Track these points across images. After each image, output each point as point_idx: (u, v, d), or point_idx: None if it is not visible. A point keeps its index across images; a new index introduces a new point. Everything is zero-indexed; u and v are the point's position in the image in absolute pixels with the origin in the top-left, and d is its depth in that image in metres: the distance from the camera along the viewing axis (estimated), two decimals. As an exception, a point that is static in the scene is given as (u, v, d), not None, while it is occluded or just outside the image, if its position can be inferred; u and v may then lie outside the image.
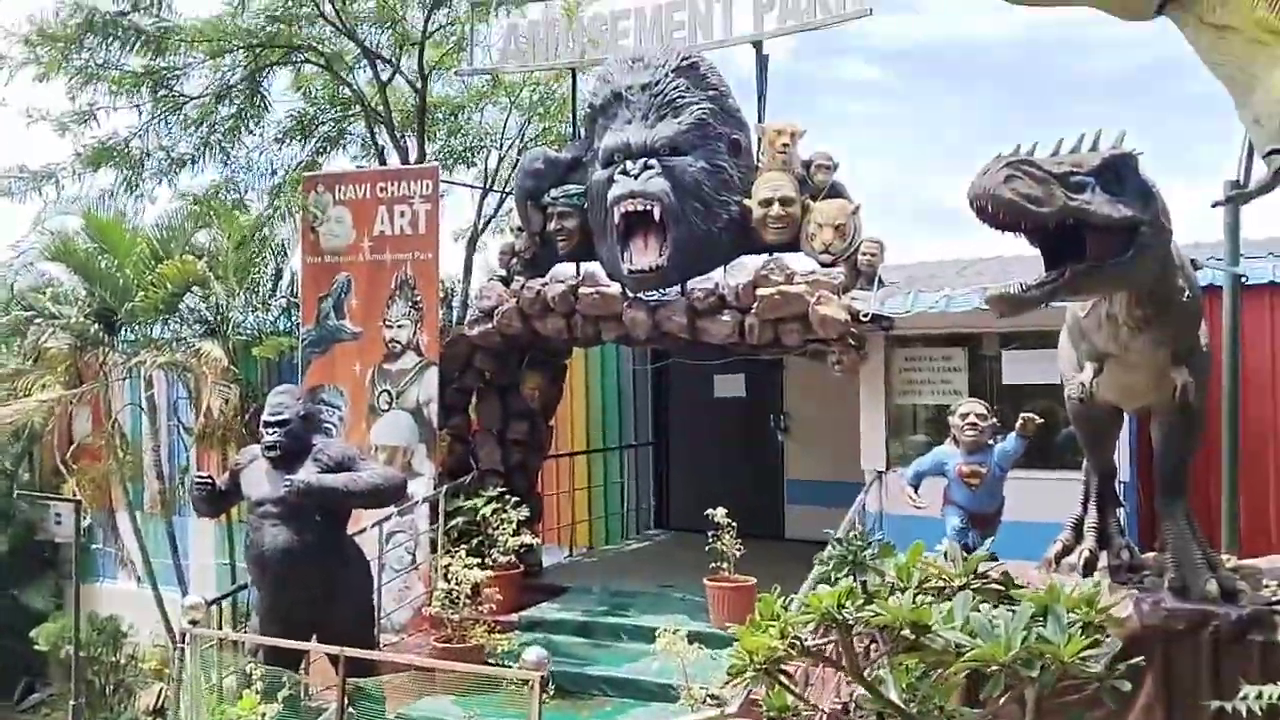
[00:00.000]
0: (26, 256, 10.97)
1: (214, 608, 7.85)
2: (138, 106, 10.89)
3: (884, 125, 30.23)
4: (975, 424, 5.72)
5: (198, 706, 6.39)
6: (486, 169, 11.69)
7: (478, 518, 8.25)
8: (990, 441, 5.76)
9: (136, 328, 10.37)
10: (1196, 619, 4.21)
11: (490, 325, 8.76)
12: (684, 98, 7.89)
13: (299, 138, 11.55)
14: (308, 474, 6.52)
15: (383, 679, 6.30)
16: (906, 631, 2.96)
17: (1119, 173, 3.72)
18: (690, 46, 8.32)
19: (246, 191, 11.65)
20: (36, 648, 11.92)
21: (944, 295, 7.26)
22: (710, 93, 7.99)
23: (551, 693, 5.70)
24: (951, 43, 29.72)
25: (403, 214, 9.07)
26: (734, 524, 7.19)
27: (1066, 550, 5.00)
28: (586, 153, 8.44)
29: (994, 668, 2.78)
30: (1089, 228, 3.65)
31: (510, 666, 6.20)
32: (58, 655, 11.75)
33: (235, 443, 9.35)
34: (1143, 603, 4.31)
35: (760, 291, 7.65)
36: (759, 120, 8.19)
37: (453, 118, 11.65)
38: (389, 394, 8.99)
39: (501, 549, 7.95)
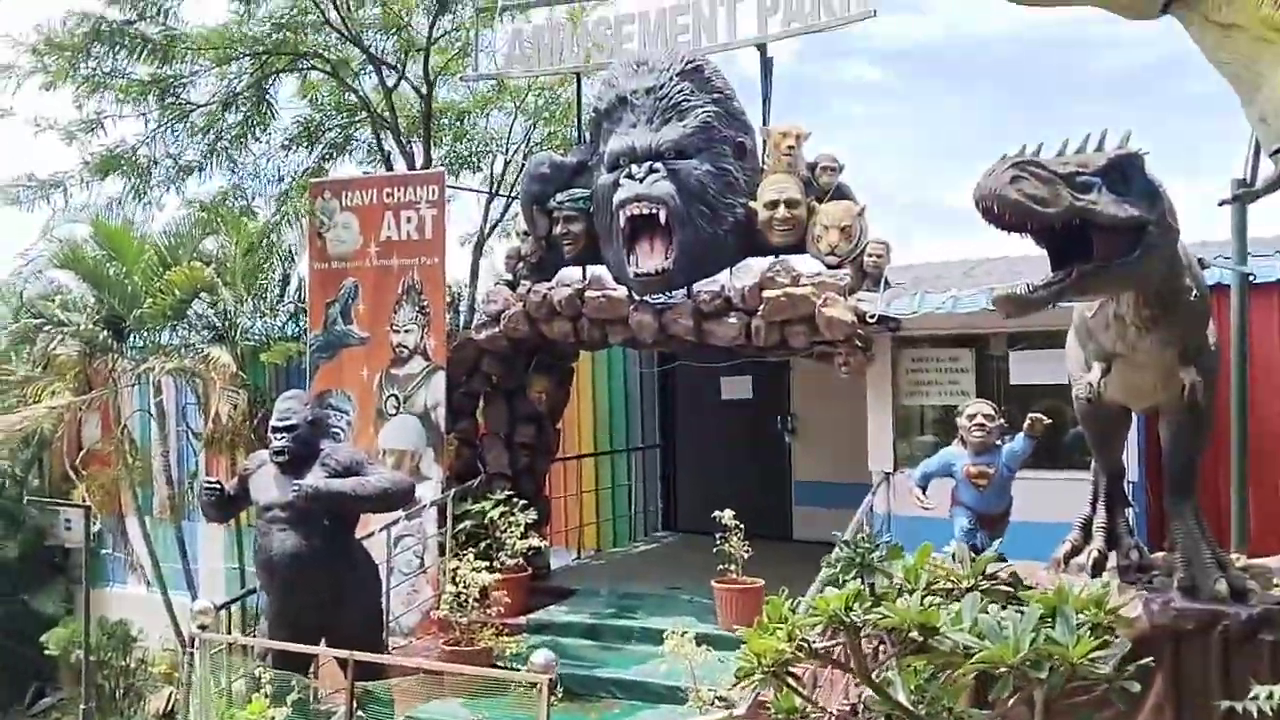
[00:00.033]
0: (35, 264, 11.06)
1: (223, 612, 7.85)
2: (145, 115, 10.97)
3: (888, 126, 30.27)
4: (983, 425, 5.72)
5: (207, 710, 6.41)
6: (492, 174, 11.74)
7: (485, 521, 8.25)
8: (998, 442, 5.76)
9: (145, 334, 10.40)
10: (1206, 619, 4.20)
11: (497, 329, 8.77)
12: (689, 101, 7.89)
13: (305, 144, 11.61)
14: (316, 479, 6.54)
15: (391, 682, 6.32)
16: (914, 633, 2.96)
17: (1125, 172, 3.71)
18: (694, 50, 8.32)
19: (254, 198, 11.75)
20: (47, 652, 11.97)
21: (951, 296, 7.25)
22: (715, 96, 7.99)
23: (560, 695, 5.71)
24: (955, 43, 29.71)
25: (409, 219, 9.09)
26: (742, 526, 7.18)
27: (1075, 550, 4.99)
28: (592, 157, 8.45)
29: (1002, 669, 2.78)
30: (1095, 228, 3.65)
31: (518, 669, 6.20)
32: (68, 660, 11.80)
33: (244, 448, 9.38)
34: (1152, 603, 4.30)
35: (766, 294, 7.64)
36: (764, 123, 8.19)
37: (458, 123, 11.70)
38: (396, 398, 9.00)
39: (509, 552, 7.96)
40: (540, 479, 9.64)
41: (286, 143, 11.57)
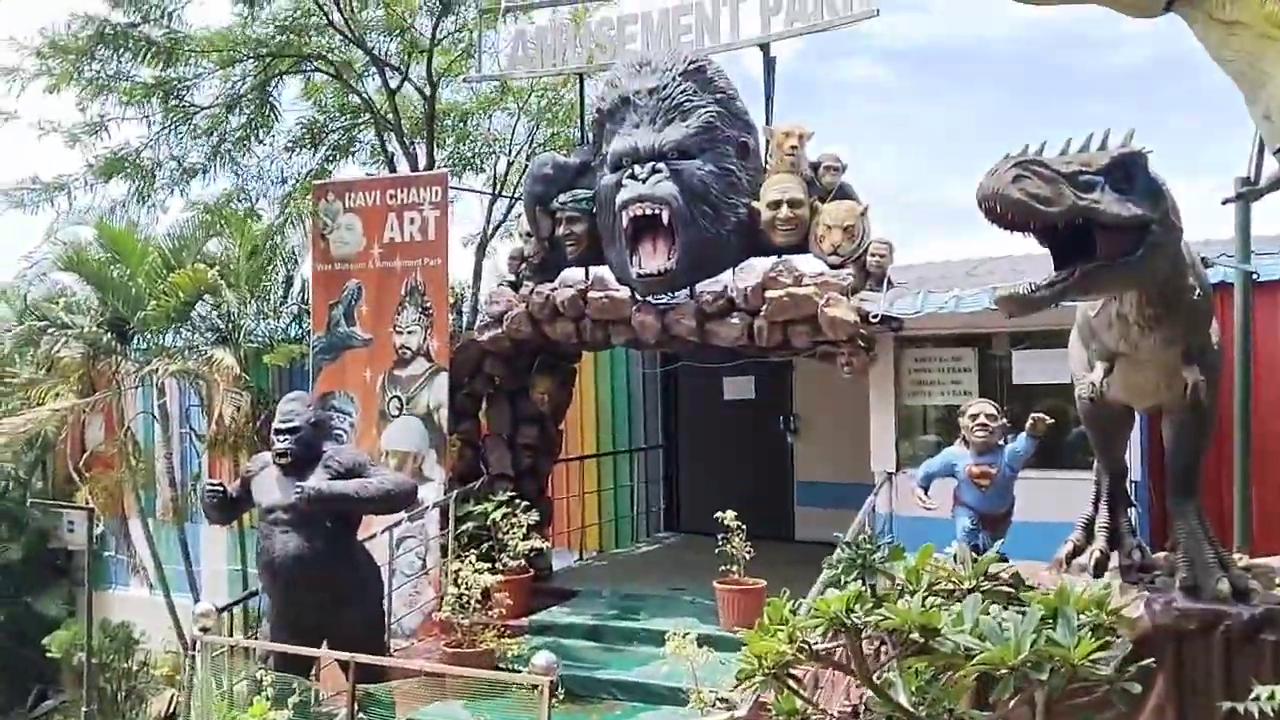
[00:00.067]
0: (40, 267, 11.11)
1: (225, 614, 7.88)
2: (148, 117, 11.00)
3: (891, 125, 30.22)
4: (985, 424, 5.70)
5: (208, 713, 6.42)
6: (495, 175, 11.76)
7: (488, 522, 8.25)
8: (1000, 442, 5.74)
9: (149, 336, 10.45)
10: (1208, 619, 4.18)
11: (500, 330, 8.77)
12: (691, 101, 7.89)
13: (309, 146, 11.64)
14: (318, 480, 6.54)
15: (393, 684, 6.32)
16: (916, 635, 2.95)
17: (1128, 171, 3.70)
18: (697, 50, 8.31)
19: (257, 200, 11.79)
20: (49, 655, 12.00)
21: (953, 296, 7.24)
22: (718, 96, 7.99)
23: (561, 697, 5.70)
24: (957, 42, 29.69)
25: (412, 220, 9.10)
26: (744, 526, 7.17)
27: (1077, 551, 4.98)
28: (595, 157, 8.45)
29: (1004, 671, 2.76)
30: (1098, 227, 3.63)
31: (520, 671, 6.19)
32: (70, 662, 11.82)
33: (247, 450, 9.41)
34: (1154, 603, 4.28)
35: (769, 294, 7.64)
36: (767, 123, 8.18)
37: (461, 124, 11.72)
38: (399, 400, 9.01)
39: (511, 553, 7.95)
40: (543, 480, 9.64)
41: (290, 145, 11.60)
